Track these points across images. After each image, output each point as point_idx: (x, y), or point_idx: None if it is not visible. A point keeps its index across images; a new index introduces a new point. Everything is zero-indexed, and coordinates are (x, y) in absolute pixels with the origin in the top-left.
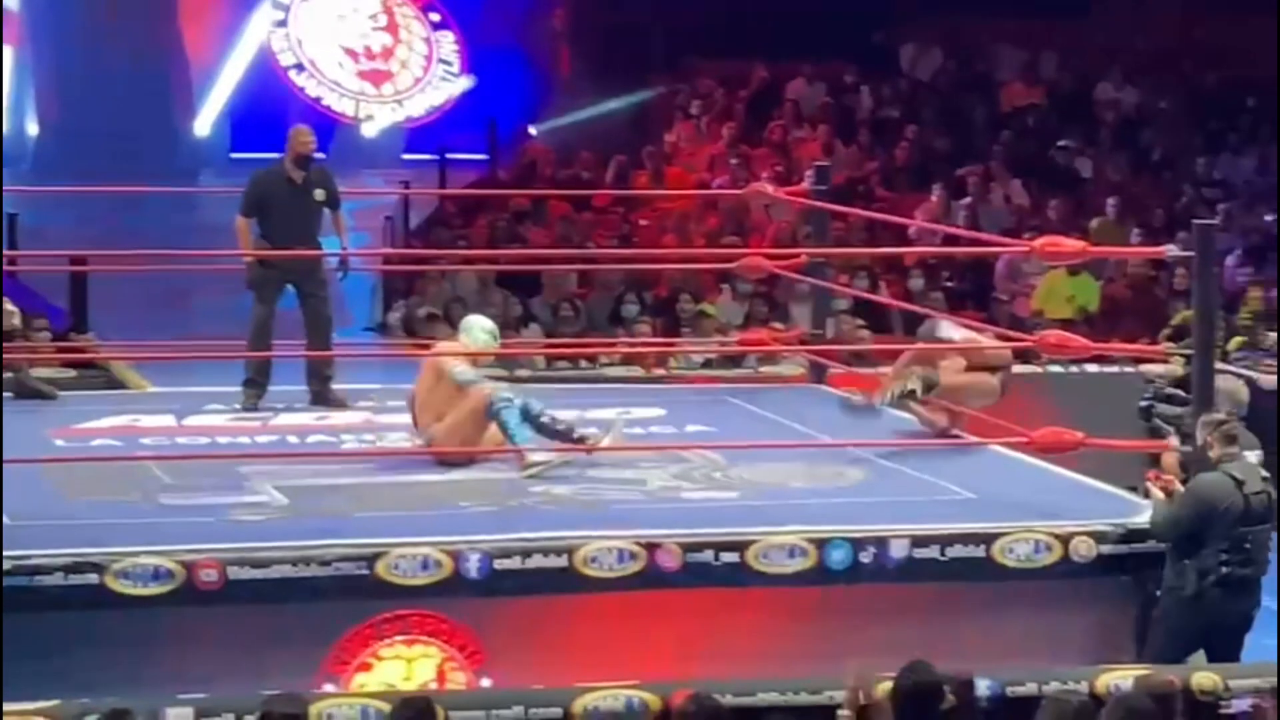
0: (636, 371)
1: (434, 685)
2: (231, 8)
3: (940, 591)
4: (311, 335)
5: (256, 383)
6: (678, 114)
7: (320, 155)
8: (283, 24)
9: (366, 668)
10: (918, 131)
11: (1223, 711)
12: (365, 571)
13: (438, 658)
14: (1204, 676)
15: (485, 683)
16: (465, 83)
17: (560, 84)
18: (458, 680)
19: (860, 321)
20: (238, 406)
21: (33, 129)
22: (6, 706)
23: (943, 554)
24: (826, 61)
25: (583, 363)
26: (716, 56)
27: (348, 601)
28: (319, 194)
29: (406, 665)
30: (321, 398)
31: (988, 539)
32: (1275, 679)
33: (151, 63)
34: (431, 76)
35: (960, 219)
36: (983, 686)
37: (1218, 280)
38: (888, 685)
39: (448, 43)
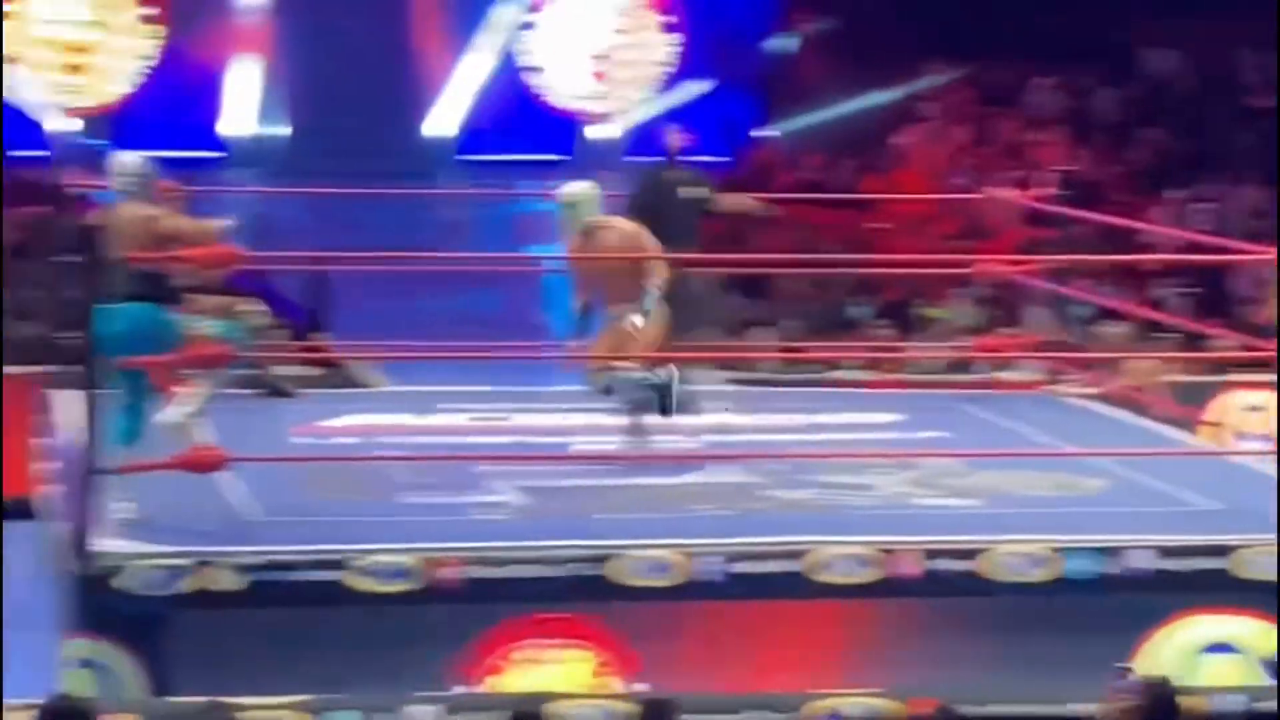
0: (869, 376)
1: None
2: (468, 9)
3: (1182, 602)
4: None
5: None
6: (912, 116)
7: (565, 157)
8: (529, 26)
9: (496, 670)
10: (1157, 135)
11: None
12: (599, 573)
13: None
14: None
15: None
16: (696, 87)
17: (797, 86)
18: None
19: (1115, 328)
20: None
21: (285, 131)
22: (256, 700)
23: (1183, 565)
24: (1063, 64)
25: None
26: (952, 59)
27: (581, 601)
28: (697, 193)
29: (557, 669)
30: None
31: (1227, 550)
32: None
33: (390, 64)
34: (652, 80)
35: (1200, 224)
36: (1229, 702)
37: None
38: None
39: (672, 46)
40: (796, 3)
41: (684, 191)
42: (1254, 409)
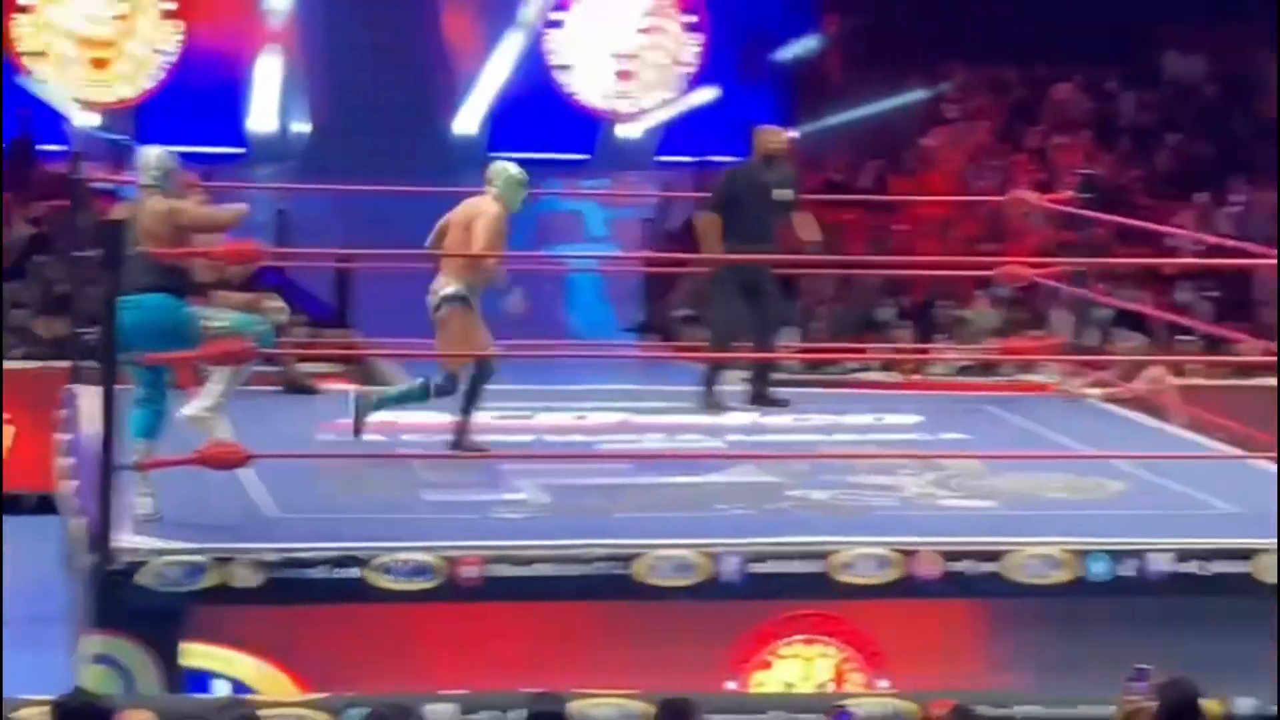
0: (892, 377)
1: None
2: (497, 6)
3: (1200, 606)
4: (758, 335)
5: (715, 384)
6: (935, 119)
7: (590, 156)
8: (556, 24)
9: (766, 665)
10: (1180, 139)
11: None
12: (624, 572)
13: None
14: None
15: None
16: (706, 93)
17: (820, 87)
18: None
19: (1131, 334)
20: (688, 405)
21: (303, 127)
22: (275, 697)
23: (1204, 569)
24: (1086, 67)
25: (830, 367)
26: (976, 61)
27: (606, 600)
28: (785, 194)
29: (805, 664)
30: (761, 397)
31: (1249, 554)
32: None
33: (415, 62)
34: (667, 78)
35: (1223, 228)
36: (1246, 706)
37: None
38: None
39: (692, 46)
40: (820, 3)
41: (777, 194)
42: None
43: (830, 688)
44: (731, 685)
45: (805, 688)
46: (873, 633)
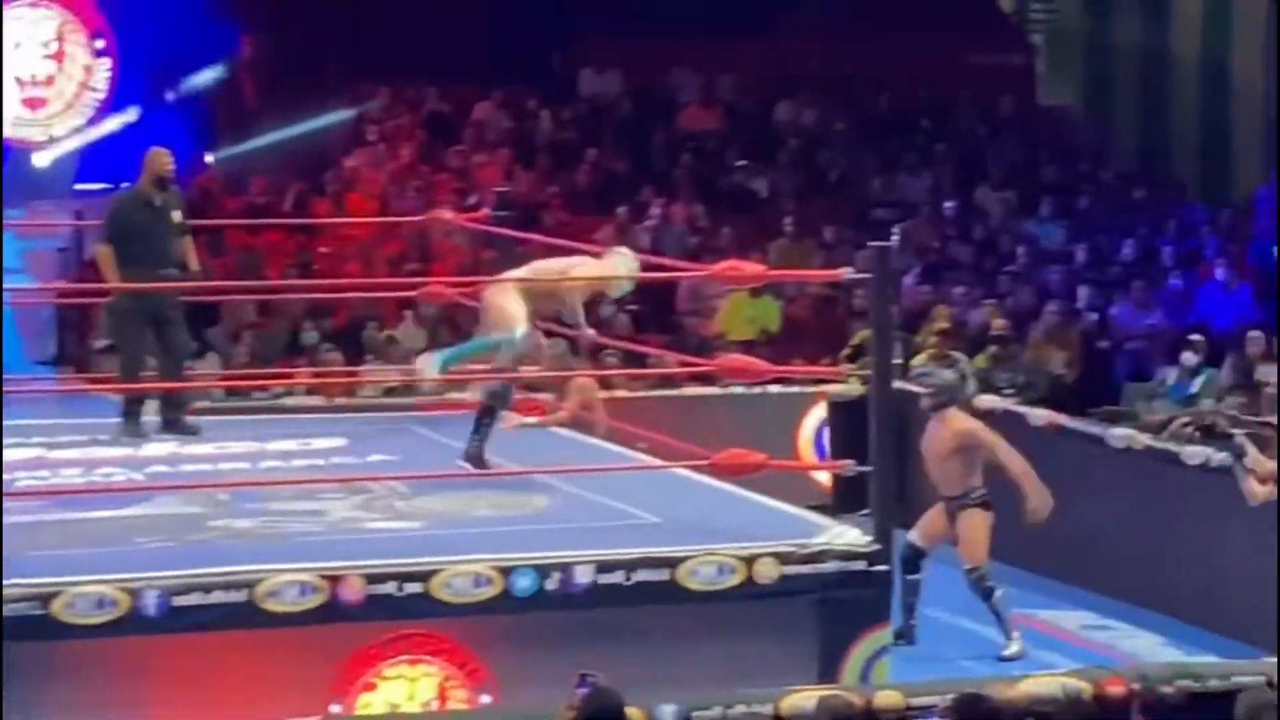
0: (316, 401)
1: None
2: None
3: (626, 616)
4: (166, 362)
5: (137, 413)
6: (357, 140)
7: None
8: None
9: (371, 687)
10: (598, 155)
11: None
12: (43, 611)
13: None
14: (887, 695)
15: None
16: (119, 119)
17: (238, 111)
18: None
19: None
20: (105, 438)
21: None
22: None
23: (628, 579)
24: (504, 84)
25: (255, 394)
26: (397, 82)
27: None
28: (177, 216)
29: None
30: (173, 425)
31: (672, 563)
32: (953, 697)
33: None
34: (78, 104)
35: (642, 242)
36: (668, 712)
37: (896, 300)
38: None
39: (102, 70)
40: (236, 26)
41: (162, 215)
42: None
43: (435, 706)
44: (336, 709)
45: (411, 708)
46: (475, 651)
